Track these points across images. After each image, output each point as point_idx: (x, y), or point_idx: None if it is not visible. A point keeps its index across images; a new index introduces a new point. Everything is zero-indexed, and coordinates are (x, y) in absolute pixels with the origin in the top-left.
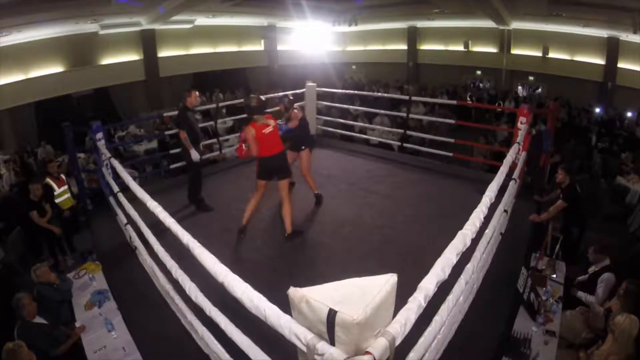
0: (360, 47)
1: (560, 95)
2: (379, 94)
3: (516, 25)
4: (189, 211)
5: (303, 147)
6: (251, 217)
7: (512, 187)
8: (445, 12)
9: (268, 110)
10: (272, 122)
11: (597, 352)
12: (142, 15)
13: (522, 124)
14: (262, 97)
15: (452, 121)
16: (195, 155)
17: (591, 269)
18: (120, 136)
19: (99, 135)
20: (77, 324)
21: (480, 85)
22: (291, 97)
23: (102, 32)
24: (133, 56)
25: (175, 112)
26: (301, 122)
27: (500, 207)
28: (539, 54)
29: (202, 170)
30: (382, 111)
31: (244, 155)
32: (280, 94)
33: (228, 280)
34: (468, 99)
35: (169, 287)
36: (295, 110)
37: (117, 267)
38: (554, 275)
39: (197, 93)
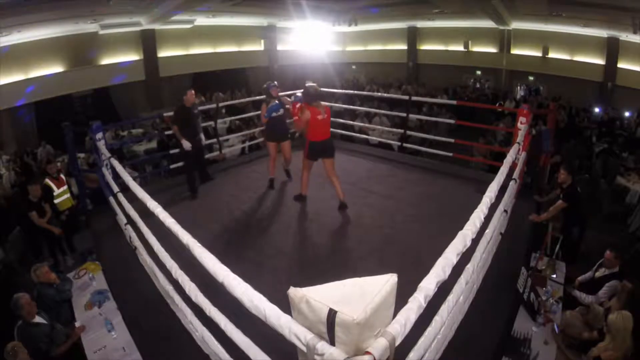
0: (360, 47)
1: (560, 95)
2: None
3: (516, 25)
4: (189, 211)
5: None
6: (308, 186)
7: (512, 187)
8: (445, 12)
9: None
10: (323, 109)
11: (594, 349)
12: (142, 15)
13: (522, 124)
14: (318, 87)
15: (452, 121)
16: (186, 144)
17: (599, 273)
18: (121, 136)
19: (99, 135)
20: (77, 324)
21: (478, 85)
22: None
23: (102, 32)
24: (133, 56)
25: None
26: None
27: (500, 207)
28: (538, 54)
29: (195, 160)
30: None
31: (302, 125)
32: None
33: (228, 280)
34: (466, 98)
35: (169, 287)
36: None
37: (117, 267)
38: (554, 275)
39: (192, 92)
